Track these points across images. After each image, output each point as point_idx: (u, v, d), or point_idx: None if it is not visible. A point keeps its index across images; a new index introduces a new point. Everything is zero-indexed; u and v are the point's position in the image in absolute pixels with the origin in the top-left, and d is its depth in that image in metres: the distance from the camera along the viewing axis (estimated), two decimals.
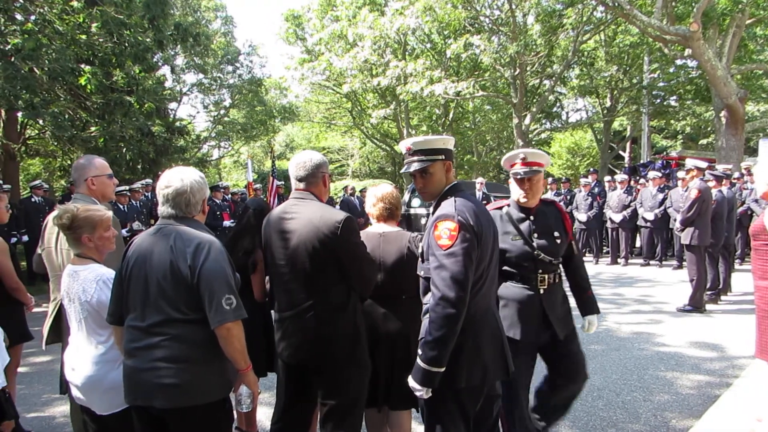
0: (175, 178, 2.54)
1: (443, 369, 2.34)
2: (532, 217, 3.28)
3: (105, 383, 2.70)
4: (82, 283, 2.72)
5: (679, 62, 20.62)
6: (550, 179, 14.86)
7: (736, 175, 11.70)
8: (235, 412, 3.06)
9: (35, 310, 4.22)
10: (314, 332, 2.78)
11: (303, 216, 2.80)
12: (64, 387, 3.48)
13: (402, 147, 2.67)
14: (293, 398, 2.97)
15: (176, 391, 2.37)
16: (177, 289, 2.39)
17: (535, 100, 23.70)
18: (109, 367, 2.71)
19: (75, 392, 2.82)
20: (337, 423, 2.82)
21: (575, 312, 3.45)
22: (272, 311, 3.05)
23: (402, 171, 2.74)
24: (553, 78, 22.35)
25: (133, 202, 10.43)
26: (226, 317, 2.35)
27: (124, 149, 12.35)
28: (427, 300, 2.47)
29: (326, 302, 2.78)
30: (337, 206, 14.49)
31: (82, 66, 11.15)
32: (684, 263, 8.37)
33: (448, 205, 2.48)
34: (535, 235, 3.24)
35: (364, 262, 2.84)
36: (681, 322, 7.18)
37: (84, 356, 2.75)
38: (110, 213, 2.92)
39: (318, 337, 2.78)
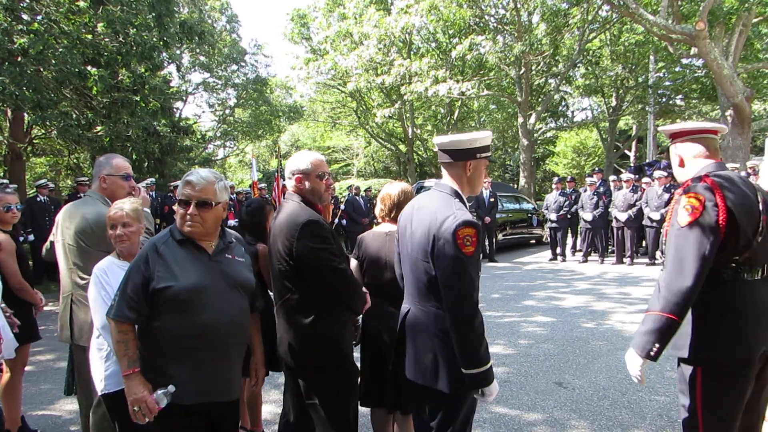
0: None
1: None
2: None
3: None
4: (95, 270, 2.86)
5: (685, 61, 20.55)
6: (555, 179, 14.87)
7: (743, 174, 11.65)
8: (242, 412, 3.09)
9: (44, 309, 4.24)
10: (285, 332, 2.79)
11: (280, 216, 2.81)
12: (70, 388, 3.50)
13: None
14: (291, 396, 2.98)
15: None
16: None
17: (540, 100, 23.65)
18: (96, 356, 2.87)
19: None
20: (319, 425, 2.82)
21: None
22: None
23: None
24: (559, 77, 22.30)
25: None
26: (107, 312, 2.45)
27: (130, 148, 12.40)
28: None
29: (294, 305, 2.73)
30: (342, 206, 14.50)
31: (89, 68, 11.19)
32: None
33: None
34: None
35: (326, 270, 2.67)
36: (686, 321, 7.13)
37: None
38: (106, 211, 3.03)
39: (288, 338, 2.77)
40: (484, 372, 2.28)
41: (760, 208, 2.36)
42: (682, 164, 2.59)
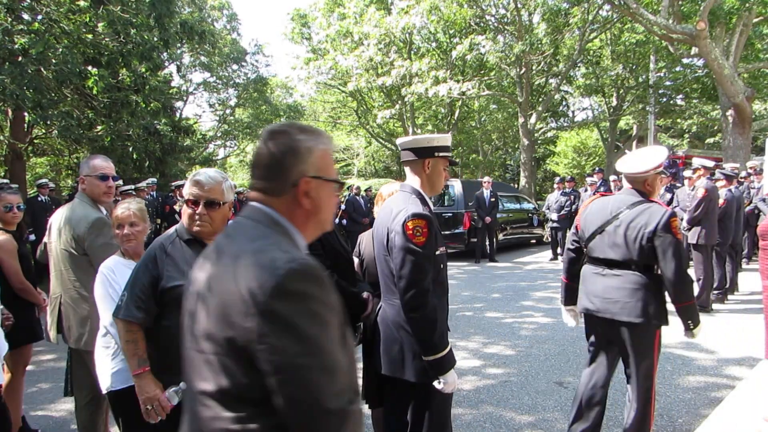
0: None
1: None
2: None
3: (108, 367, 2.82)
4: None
5: (685, 61, 20.54)
6: (557, 179, 14.86)
7: (743, 174, 11.64)
8: None
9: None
10: None
11: None
12: (68, 389, 3.51)
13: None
14: None
15: None
16: None
17: (540, 99, 23.66)
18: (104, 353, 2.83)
19: None
20: None
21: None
22: None
23: None
24: (559, 77, 22.30)
25: None
26: (114, 312, 2.48)
27: (131, 148, 12.40)
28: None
29: None
30: (342, 206, 14.49)
31: (89, 68, 11.19)
32: (690, 262, 8.32)
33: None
34: None
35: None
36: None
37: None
38: (100, 214, 3.14)
39: None
40: (440, 359, 2.35)
41: (600, 223, 3.32)
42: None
